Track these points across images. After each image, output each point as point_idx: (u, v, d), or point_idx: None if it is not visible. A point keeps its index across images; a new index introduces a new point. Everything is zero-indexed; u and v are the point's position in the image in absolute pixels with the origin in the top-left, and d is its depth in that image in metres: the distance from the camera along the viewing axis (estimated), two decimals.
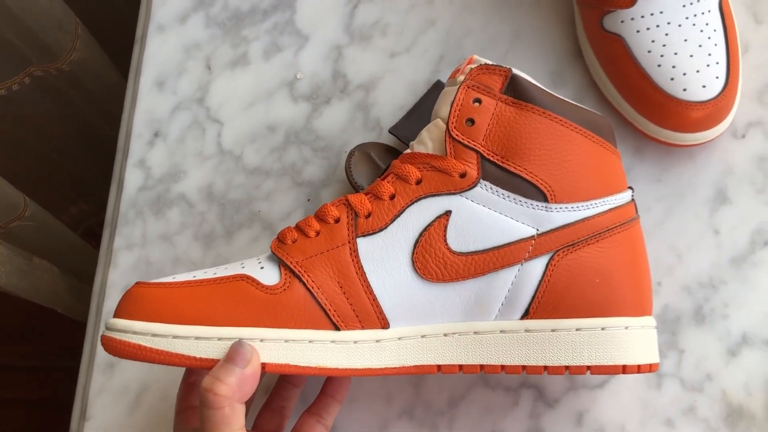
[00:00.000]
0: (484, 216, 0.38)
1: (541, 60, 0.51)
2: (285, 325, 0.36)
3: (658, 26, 0.44)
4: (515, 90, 0.38)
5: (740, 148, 0.47)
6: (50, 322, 0.87)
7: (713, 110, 0.43)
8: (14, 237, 0.63)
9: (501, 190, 0.38)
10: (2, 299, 0.68)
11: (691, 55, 0.43)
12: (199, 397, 0.34)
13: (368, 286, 0.37)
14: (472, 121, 0.38)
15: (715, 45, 0.44)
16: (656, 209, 0.47)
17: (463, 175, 0.38)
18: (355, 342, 0.37)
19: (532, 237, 0.38)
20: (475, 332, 0.38)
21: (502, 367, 0.38)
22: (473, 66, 0.40)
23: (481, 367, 0.38)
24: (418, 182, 0.38)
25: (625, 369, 0.38)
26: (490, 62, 0.40)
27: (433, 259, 0.37)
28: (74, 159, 0.78)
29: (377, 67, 0.53)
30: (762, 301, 0.44)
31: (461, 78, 0.40)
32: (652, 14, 0.44)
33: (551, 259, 0.38)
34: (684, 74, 0.43)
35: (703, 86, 0.43)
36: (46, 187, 0.74)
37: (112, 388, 0.49)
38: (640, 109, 0.45)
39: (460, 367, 0.38)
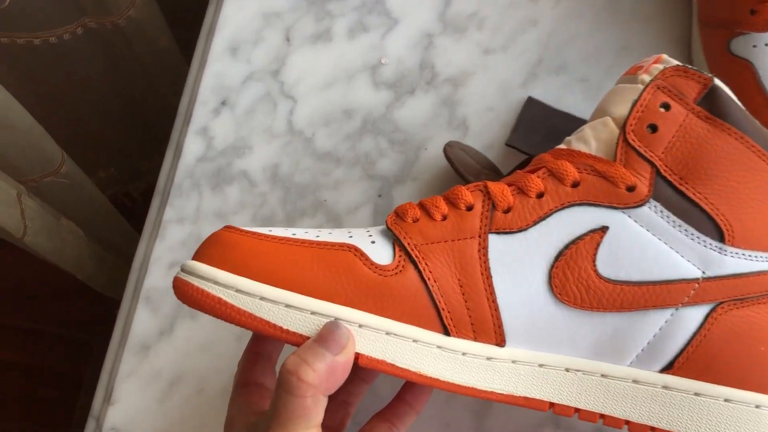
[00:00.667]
0: (646, 243, 0.31)
1: None
2: (390, 314, 0.30)
3: None
4: (712, 103, 0.32)
5: None
6: (65, 288, 0.83)
7: None
8: (45, 194, 0.59)
9: (672, 217, 0.31)
10: (19, 255, 0.64)
11: None
12: (279, 378, 0.28)
13: (492, 292, 0.31)
14: (654, 128, 0.32)
15: None
16: None
17: (631, 189, 0.32)
18: (464, 354, 0.31)
19: (696, 280, 0.31)
20: (602, 375, 0.32)
21: (627, 422, 0.32)
22: (663, 66, 0.34)
23: (602, 416, 0.32)
24: (575, 185, 0.32)
25: None
26: (680, 65, 0.34)
27: (575, 280, 0.31)
28: (113, 121, 0.74)
29: (469, 62, 0.49)
30: None
31: (645, 77, 0.34)
32: None
33: (713, 310, 0.31)
34: None
35: None
36: (79, 146, 0.70)
37: (143, 373, 0.44)
38: None
39: (577, 410, 0.32)
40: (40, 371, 1.01)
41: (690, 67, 0.33)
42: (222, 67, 0.50)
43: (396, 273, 0.31)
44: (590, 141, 0.34)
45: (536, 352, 0.32)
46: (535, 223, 0.32)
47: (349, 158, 0.47)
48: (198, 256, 0.32)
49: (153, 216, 0.48)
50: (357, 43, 0.50)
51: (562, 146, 0.35)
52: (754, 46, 0.41)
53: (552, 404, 0.32)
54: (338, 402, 0.36)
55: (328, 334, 0.29)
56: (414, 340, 0.30)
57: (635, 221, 0.32)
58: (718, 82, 0.33)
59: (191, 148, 0.48)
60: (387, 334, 0.30)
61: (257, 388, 0.33)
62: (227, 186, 0.47)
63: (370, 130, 0.48)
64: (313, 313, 0.30)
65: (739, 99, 0.38)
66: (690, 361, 0.31)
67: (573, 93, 0.47)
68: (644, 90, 0.33)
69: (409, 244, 0.32)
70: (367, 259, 0.31)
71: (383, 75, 0.49)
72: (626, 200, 0.32)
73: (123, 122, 0.75)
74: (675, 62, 0.34)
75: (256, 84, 0.49)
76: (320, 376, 0.28)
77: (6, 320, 1.04)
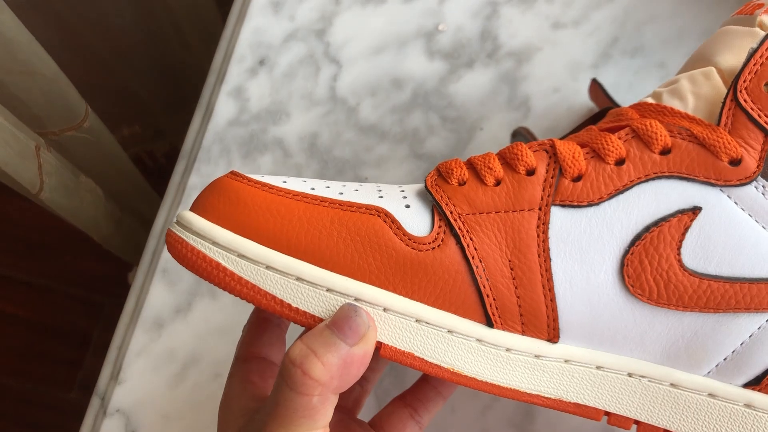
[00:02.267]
0: (746, 230, 0.25)
1: None
2: (422, 297, 0.25)
3: None
4: None
5: None
6: (80, 244, 0.79)
7: None
8: (65, 148, 0.54)
9: None
10: (34, 209, 0.60)
11: None
12: (281, 369, 0.23)
13: (550, 278, 0.25)
14: None
15: None
16: None
17: (735, 162, 0.25)
18: (508, 350, 0.26)
19: None
20: (672, 384, 0.27)
21: None
22: None
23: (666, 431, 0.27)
24: (665, 152, 0.26)
25: None
26: None
27: (654, 271, 0.25)
28: (141, 77, 0.70)
29: (536, 36, 0.44)
30: None
31: (765, 18, 0.27)
32: None
33: None
34: None
35: None
36: (104, 99, 0.66)
37: (155, 352, 0.40)
38: None
39: (637, 423, 0.27)
40: (45, 328, 0.99)
41: None
42: (262, 22, 0.45)
43: (433, 247, 0.25)
44: (687, 96, 0.27)
45: (595, 352, 0.26)
46: (611, 196, 0.26)
47: (395, 133, 0.42)
48: (196, 207, 0.26)
49: (177, 180, 0.44)
50: (413, 6, 0.45)
51: (649, 99, 0.28)
52: None
53: (608, 413, 0.27)
54: None
55: (345, 320, 0.23)
56: (449, 331, 0.25)
57: (736, 203, 0.25)
58: None
59: (223, 110, 0.44)
60: (417, 321, 0.25)
61: (260, 364, 0.28)
62: (260, 155, 0.43)
63: (420, 103, 0.43)
64: (329, 290, 0.24)
65: None
66: None
67: (648, 79, 0.42)
68: (765, 39, 0.25)
69: (452, 212, 0.26)
70: (399, 227, 0.25)
71: (439, 43, 0.44)
72: (728, 176, 0.25)
73: (151, 76, 0.71)
74: None
75: (298, 44, 0.45)
76: (331, 371, 0.23)
77: (12, 272, 1.01)
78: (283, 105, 0.43)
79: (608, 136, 0.26)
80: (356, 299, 0.24)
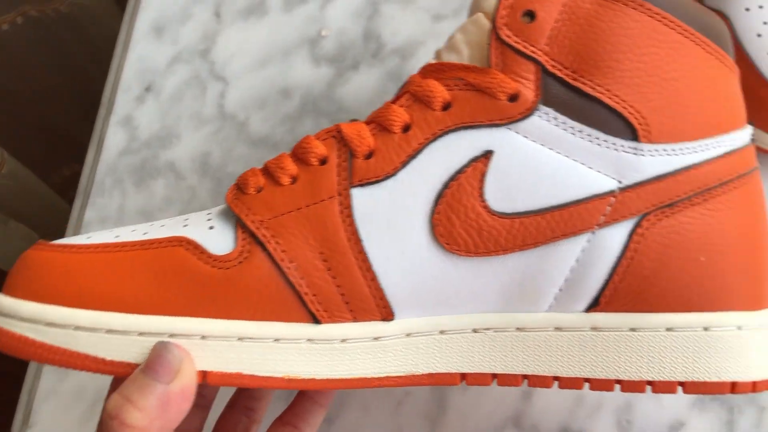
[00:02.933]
0: (542, 160, 0.25)
1: None
2: (240, 315, 0.25)
3: None
4: None
5: None
6: None
7: None
8: None
9: (569, 122, 0.25)
10: None
11: None
12: (99, 425, 0.23)
13: (365, 259, 0.25)
14: (531, 15, 0.25)
15: None
16: None
17: (513, 98, 0.25)
18: (343, 341, 0.25)
19: (612, 193, 0.25)
20: (518, 328, 0.27)
21: (556, 378, 0.27)
22: None
23: (525, 377, 0.27)
24: (446, 107, 0.26)
25: (734, 387, 0.26)
26: None
27: (463, 222, 0.25)
28: (66, 115, 0.69)
29: (418, 31, 0.43)
30: None
31: None
32: None
33: (638, 225, 0.25)
34: None
35: None
36: (33, 144, 0.65)
37: (63, 392, 0.39)
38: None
39: (494, 376, 0.27)
40: None
41: None
42: (146, 49, 0.45)
43: (240, 261, 0.25)
44: (461, 48, 0.27)
45: (434, 317, 0.26)
46: (405, 164, 0.26)
47: (287, 142, 0.42)
48: (6, 287, 0.25)
49: (75, 216, 0.44)
50: (294, 15, 0.45)
51: (432, 60, 0.28)
52: None
53: (464, 375, 0.27)
54: (238, 409, 0.31)
55: (156, 360, 0.23)
56: (275, 339, 0.25)
57: (525, 137, 0.25)
58: None
59: (113, 141, 0.44)
60: (240, 339, 0.24)
61: None
62: (153, 181, 0.42)
63: (310, 110, 0.42)
64: (141, 333, 0.24)
65: None
66: (619, 292, 0.26)
67: None
68: None
69: (252, 221, 0.25)
70: (202, 251, 0.25)
71: (324, 49, 0.44)
72: (510, 113, 0.25)
73: (76, 114, 0.69)
74: None
75: (183, 66, 0.45)
76: (150, 414, 0.22)
77: None
78: (172, 128, 0.43)
79: (389, 107, 0.26)
80: (170, 335, 0.24)
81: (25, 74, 0.62)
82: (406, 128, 0.26)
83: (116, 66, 0.46)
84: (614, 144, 0.25)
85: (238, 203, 0.26)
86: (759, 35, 0.34)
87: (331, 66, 0.43)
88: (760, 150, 0.34)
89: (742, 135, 0.27)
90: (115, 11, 0.63)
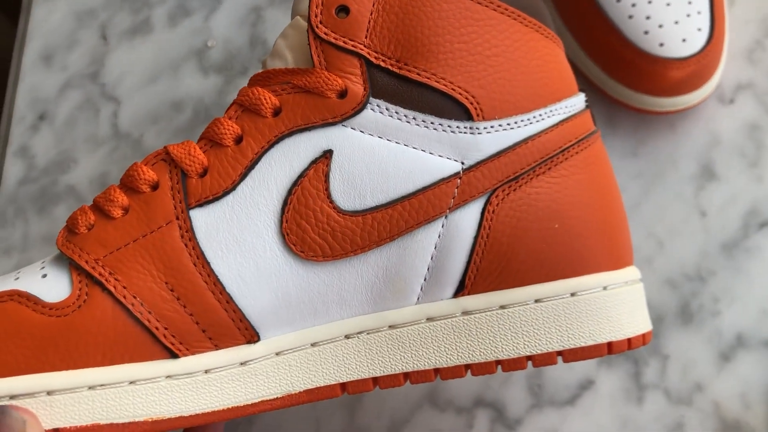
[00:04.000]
0: (382, 152, 0.25)
1: None
2: (86, 362, 0.23)
3: None
4: None
5: (728, 114, 0.38)
6: None
7: (696, 69, 0.34)
8: None
9: (402, 110, 0.25)
10: None
11: (668, 4, 0.35)
12: None
13: (216, 281, 0.24)
14: (346, 11, 0.25)
15: None
16: (632, 188, 0.37)
17: (342, 94, 0.25)
18: (207, 371, 0.24)
19: (457, 175, 0.25)
20: (390, 326, 0.26)
21: (436, 371, 0.26)
22: None
23: (406, 376, 0.26)
24: (277, 113, 0.25)
25: (611, 347, 0.26)
26: None
27: (314, 226, 0.24)
28: None
29: None
30: (759, 294, 0.34)
31: None
32: None
33: (488, 202, 0.25)
34: (660, 26, 0.34)
35: (683, 40, 0.34)
36: None
37: None
38: (609, 68, 0.36)
39: (375, 380, 0.26)
40: None
41: None
42: (36, 78, 0.46)
43: (79, 305, 0.23)
44: (285, 53, 0.27)
45: (303, 331, 0.25)
46: (243, 176, 0.25)
47: None
48: None
49: None
50: (179, 29, 0.45)
51: (259, 70, 0.28)
52: None
53: (343, 385, 0.25)
54: None
55: None
56: (131, 382, 0.23)
57: (361, 131, 0.25)
58: None
59: (11, 171, 0.44)
60: (90, 388, 0.22)
61: None
62: (54, 206, 0.43)
63: (203, 120, 0.43)
64: None
65: (577, 23, 0.36)
66: (482, 272, 0.26)
67: None
68: None
69: (87, 261, 0.24)
70: (36, 302, 0.23)
71: (211, 59, 0.44)
72: (342, 110, 0.25)
73: None
74: None
75: (74, 91, 0.45)
76: None
77: None
78: (69, 153, 0.44)
79: (217, 121, 0.25)
80: (10, 397, 0.22)
81: None
82: (238, 140, 0.25)
83: (9, 98, 0.46)
84: (450, 126, 0.25)
85: (69, 245, 0.24)
86: (618, 0, 0.35)
87: (220, 74, 0.44)
88: (624, 105, 0.37)
89: (576, 101, 0.28)
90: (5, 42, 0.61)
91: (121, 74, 0.45)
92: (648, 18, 0.35)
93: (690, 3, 0.35)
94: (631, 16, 0.35)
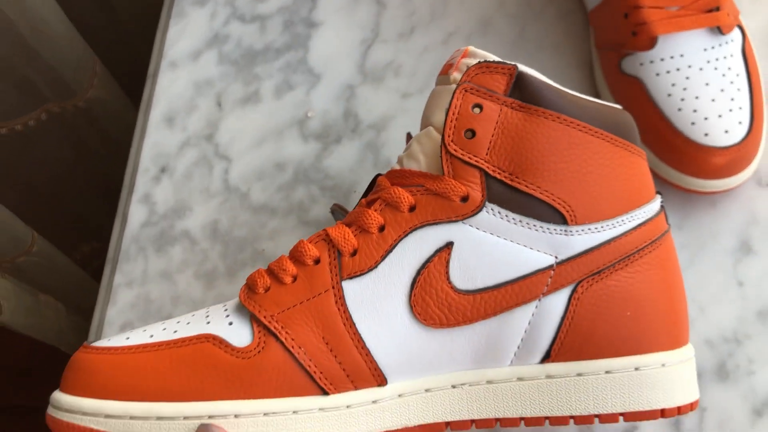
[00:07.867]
0: (493, 246, 0.32)
1: None
2: (263, 395, 0.30)
3: (678, 69, 0.42)
4: (523, 91, 0.32)
5: (765, 196, 0.43)
6: (53, 360, 0.82)
7: (736, 156, 0.40)
8: (20, 272, 0.61)
9: (511, 214, 0.32)
10: (5, 335, 0.66)
11: (713, 100, 0.40)
12: None
13: (359, 339, 0.31)
14: (472, 133, 0.32)
15: (738, 90, 0.41)
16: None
17: (465, 199, 0.32)
18: (348, 407, 0.31)
19: (551, 267, 0.32)
20: (488, 381, 0.33)
21: (522, 419, 0.33)
22: (469, 62, 0.33)
23: (497, 420, 0.33)
24: (412, 209, 0.32)
25: (663, 413, 0.32)
26: (490, 57, 0.33)
27: (435, 302, 0.31)
28: (85, 198, 0.76)
29: (389, 107, 0.51)
30: None
31: (456, 75, 0.33)
32: (672, 57, 0.42)
33: (574, 291, 0.32)
34: (705, 119, 0.40)
35: (726, 131, 0.40)
36: (56, 225, 0.72)
37: None
38: (661, 154, 0.42)
39: (473, 422, 0.33)
40: None
41: (491, 60, 0.32)
42: (160, 136, 0.53)
43: (259, 351, 0.31)
44: (419, 156, 0.33)
45: (419, 379, 0.32)
46: (383, 258, 0.32)
47: (283, 208, 0.49)
48: (63, 385, 0.31)
49: (105, 282, 0.50)
50: (284, 100, 0.52)
51: (396, 165, 0.35)
52: (641, 64, 0.43)
53: (448, 423, 0.33)
54: None
55: None
56: (294, 412, 0.30)
57: (477, 228, 0.32)
58: (522, 67, 0.32)
59: (135, 215, 0.50)
60: (265, 415, 0.30)
61: None
62: (171, 247, 0.49)
63: (301, 179, 0.49)
64: (185, 417, 0.30)
65: (633, 114, 0.40)
66: (565, 346, 0.32)
67: None
68: (453, 96, 0.32)
69: (265, 317, 0.31)
70: (227, 345, 0.31)
71: (310, 128, 0.51)
72: (463, 211, 0.32)
73: (94, 197, 0.76)
74: (481, 54, 0.33)
75: (192, 149, 0.52)
76: None
77: (6, 401, 1.01)
78: (185, 202, 0.50)
79: (366, 212, 0.32)
80: (209, 417, 0.30)
81: (49, 163, 0.69)
82: (381, 228, 0.32)
83: (134, 152, 0.54)
84: (549, 228, 0.32)
85: (251, 302, 0.32)
86: (669, 95, 0.41)
87: (318, 141, 0.51)
88: (672, 185, 0.42)
89: (652, 206, 0.34)
90: (126, 104, 0.70)
91: (232, 137, 0.52)
92: (695, 111, 0.40)
93: (732, 99, 0.40)
94: (680, 109, 0.41)
